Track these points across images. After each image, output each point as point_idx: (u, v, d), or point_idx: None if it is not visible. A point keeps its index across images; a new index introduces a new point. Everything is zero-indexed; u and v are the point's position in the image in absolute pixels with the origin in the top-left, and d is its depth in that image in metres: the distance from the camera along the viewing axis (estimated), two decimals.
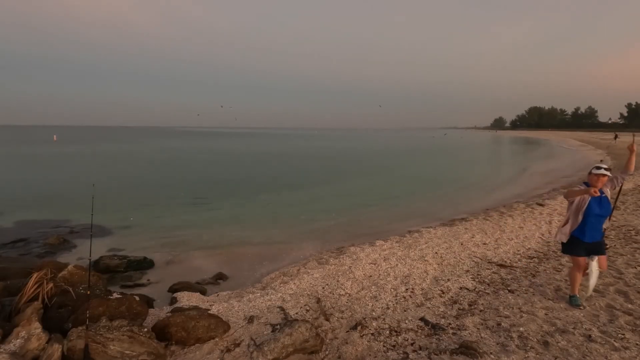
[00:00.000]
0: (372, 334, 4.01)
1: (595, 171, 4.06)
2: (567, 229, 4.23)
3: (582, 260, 4.25)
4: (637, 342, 3.56)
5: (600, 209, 4.06)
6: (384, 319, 4.32)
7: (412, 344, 3.77)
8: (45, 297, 3.92)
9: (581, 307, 4.29)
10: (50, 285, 4.05)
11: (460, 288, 5.13)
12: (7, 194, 14.69)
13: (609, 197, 4.13)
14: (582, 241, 4.16)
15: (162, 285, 6.15)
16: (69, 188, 16.06)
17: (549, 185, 15.68)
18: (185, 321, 3.84)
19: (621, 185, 4.31)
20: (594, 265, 4.06)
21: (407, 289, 5.18)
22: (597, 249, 4.18)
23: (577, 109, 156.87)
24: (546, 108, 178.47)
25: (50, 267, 4.56)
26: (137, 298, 4.19)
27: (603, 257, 4.22)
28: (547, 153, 38.82)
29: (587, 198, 4.07)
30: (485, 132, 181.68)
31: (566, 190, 4.41)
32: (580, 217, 4.12)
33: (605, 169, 3.99)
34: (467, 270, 5.78)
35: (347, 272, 5.86)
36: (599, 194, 3.90)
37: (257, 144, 59.60)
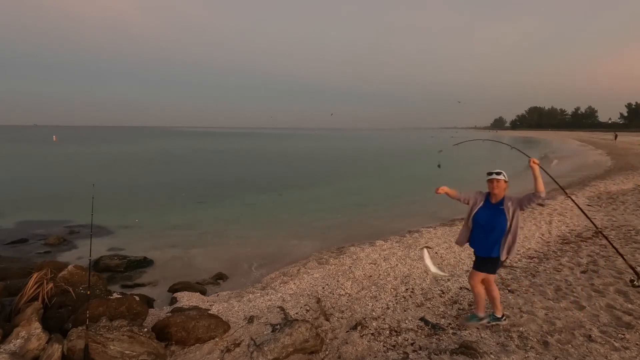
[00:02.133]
0: (372, 334, 4.01)
1: (487, 177, 3.68)
2: (461, 233, 3.91)
3: (476, 275, 3.81)
4: (637, 342, 3.56)
5: (487, 220, 3.61)
6: (384, 319, 4.32)
7: (412, 344, 3.77)
8: (45, 297, 3.92)
9: (474, 326, 3.91)
10: (50, 285, 4.05)
11: (460, 288, 5.14)
12: (7, 194, 14.69)
13: (510, 213, 3.53)
14: (475, 253, 3.81)
15: (162, 285, 6.15)
16: (69, 188, 16.06)
17: (549, 185, 15.68)
18: (185, 321, 3.84)
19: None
20: (425, 253, 3.77)
21: (407, 289, 5.18)
22: (485, 265, 3.71)
23: (577, 109, 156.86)
24: (546, 108, 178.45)
25: (50, 267, 4.56)
26: (137, 298, 4.19)
27: (490, 276, 3.76)
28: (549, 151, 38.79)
29: (479, 204, 3.71)
30: (485, 132, 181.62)
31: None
32: (469, 224, 3.78)
33: (497, 173, 3.60)
34: (467, 270, 5.77)
35: (347, 272, 5.86)
36: (439, 192, 3.68)
37: (257, 144, 59.60)
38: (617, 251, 3.47)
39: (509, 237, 3.55)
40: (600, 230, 4.12)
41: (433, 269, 3.76)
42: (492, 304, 3.97)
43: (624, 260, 3.57)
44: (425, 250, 3.73)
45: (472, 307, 4.53)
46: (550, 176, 4.12)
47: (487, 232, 3.61)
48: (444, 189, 3.72)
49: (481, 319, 3.95)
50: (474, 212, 3.71)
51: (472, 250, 3.83)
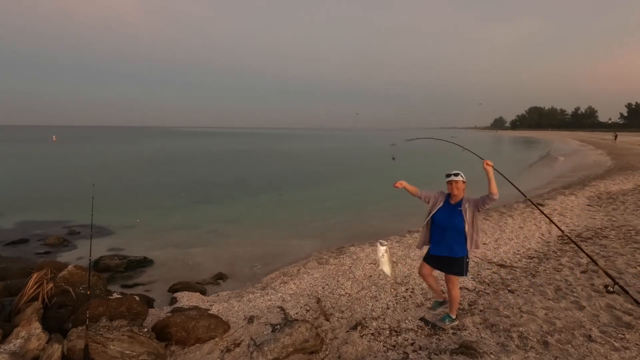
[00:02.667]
0: (372, 334, 4.00)
1: (446, 178, 3.71)
2: (421, 236, 3.94)
3: (424, 266, 3.93)
4: (637, 342, 3.56)
5: (445, 219, 3.66)
6: (384, 319, 4.32)
7: (412, 344, 3.77)
8: (45, 297, 3.92)
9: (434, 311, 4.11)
10: (50, 285, 4.05)
11: (460, 288, 5.13)
12: (7, 194, 14.70)
13: (467, 214, 3.60)
14: (429, 252, 3.88)
15: (162, 285, 6.15)
16: (69, 188, 16.06)
17: (549, 185, 15.68)
18: (185, 321, 3.84)
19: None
20: (380, 249, 3.62)
21: (407, 289, 5.18)
22: (443, 265, 3.80)
23: (577, 109, 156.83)
24: (546, 108, 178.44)
25: (50, 267, 4.56)
26: (137, 298, 4.19)
27: (451, 277, 3.82)
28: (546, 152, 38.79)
29: (439, 204, 3.75)
30: (485, 132, 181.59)
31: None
32: (428, 223, 3.82)
33: (455, 174, 3.64)
34: (467, 270, 5.77)
35: (347, 272, 5.86)
36: (397, 187, 3.74)
37: (257, 144, 59.60)
38: (591, 258, 3.44)
39: (469, 236, 3.62)
40: (567, 235, 4.10)
41: (384, 266, 3.67)
42: (450, 304, 4.07)
43: (598, 267, 3.57)
44: (379, 244, 3.64)
45: (472, 306, 4.54)
46: (506, 178, 4.10)
47: (445, 231, 3.68)
48: (402, 183, 3.79)
49: (453, 319, 4.05)
50: (434, 212, 3.75)
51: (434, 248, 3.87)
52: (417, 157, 29.81)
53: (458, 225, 3.61)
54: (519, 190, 4.17)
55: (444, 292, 4.28)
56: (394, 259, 6.23)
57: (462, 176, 3.65)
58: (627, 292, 3.12)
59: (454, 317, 4.07)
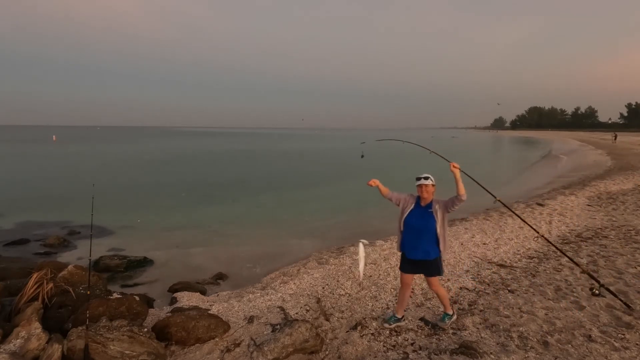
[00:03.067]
0: (372, 334, 4.00)
1: (416, 182, 3.71)
2: (399, 237, 3.91)
3: (406, 277, 3.93)
4: (637, 342, 3.55)
5: (418, 222, 3.67)
6: (383, 319, 4.32)
7: (412, 344, 3.77)
8: (45, 297, 3.92)
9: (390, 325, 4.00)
10: (50, 285, 4.05)
11: (460, 288, 5.13)
12: (7, 194, 14.70)
13: (438, 216, 3.63)
14: (405, 256, 3.86)
15: (162, 285, 6.15)
16: (69, 188, 16.07)
17: (549, 185, 15.68)
18: (185, 321, 3.84)
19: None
20: (361, 247, 3.68)
21: None
22: (421, 268, 3.81)
23: (577, 109, 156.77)
24: (546, 108, 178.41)
25: (50, 267, 4.56)
26: (137, 298, 4.19)
27: (431, 279, 3.83)
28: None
29: (410, 206, 3.76)
30: (485, 132, 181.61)
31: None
32: (401, 226, 3.80)
33: (424, 178, 3.66)
34: (467, 270, 5.78)
35: (347, 272, 5.86)
36: (371, 185, 3.77)
37: (257, 144, 59.60)
38: (572, 260, 3.45)
39: (441, 238, 3.66)
40: (543, 236, 4.08)
41: (361, 265, 3.71)
42: (442, 303, 4.12)
43: (582, 270, 3.58)
44: (361, 243, 3.67)
45: (472, 306, 4.54)
46: (474, 179, 4.11)
47: (418, 234, 3.69)
48: (376, 181, 3.82)
49: (399, 319, 4.10)
50: (405, 215, 3.77)
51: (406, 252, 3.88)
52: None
53: (431, 228, 3.65)
54: (489, 192, 4.16)
55: (405, 310, 4.29)
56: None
57: (431, 179, 3.69)
58: (613, 294, 3.10)
59: (450, 313, 4.11)
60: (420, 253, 3.71)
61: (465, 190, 3.55)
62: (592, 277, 3.15)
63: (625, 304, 3.06)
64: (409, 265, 3.87)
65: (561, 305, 4.39)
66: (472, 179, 4.06)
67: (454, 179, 3.61)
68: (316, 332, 3.81)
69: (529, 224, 4.11)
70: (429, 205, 3.70)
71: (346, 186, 17.37)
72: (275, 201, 13.74)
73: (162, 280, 6.41)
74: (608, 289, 3.10)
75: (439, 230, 3.64)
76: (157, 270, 6.93)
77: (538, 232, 3.98)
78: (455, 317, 4.13)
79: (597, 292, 2.98)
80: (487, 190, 4.17)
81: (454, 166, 3.65)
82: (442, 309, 4.27)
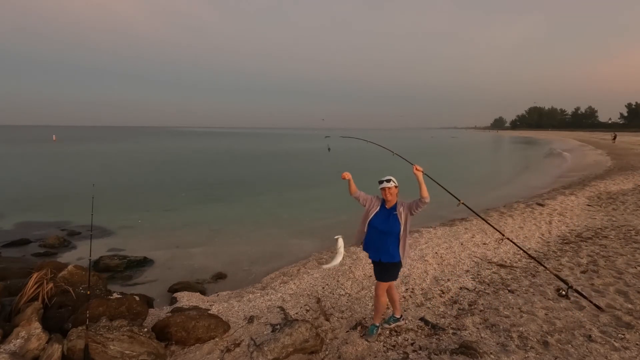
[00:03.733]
0: None
1: (379, 185, 3.72)
2: (357, 234, 3.92)
3: (381, 284, 3.84)
4: (637, 342, 3.56)
5: (383, 224, 3.66)
6: (383, 319, 4.32)
7: (412, 344, 3.77)
8: (45, 297, 3.92)
9: (372, 341, 3.84)
10: (50, 285, 4.05)
11: (460, 288, 5.13)
12: (7, 194, 14.69)
13: (402, 218, 3.62)
14: (370, 258, 3.84)
15: (162, 285, 6.15)
16: (69, 188, 16.06)
17: (549, 185, 15.68)
18: (185, 321, 3.84)
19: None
20: (339, 241, 3.65)
21: (407, 289, 5.18)
22: (378, 270, 3.81)
23: (577, 109, 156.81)
24: (546, 108, 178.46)
25: (50, 267, 4.56)
26: (137, 298, 4.19)
27: (380, 284, 3.79)
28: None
29: (375, 208, 3.77)
30: (485, 132, 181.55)
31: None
32: (365, 227, 3.79)
33: (387, 180, 3.66)
34: (467, 270, 5.78)
35: (347, 272, 5.86)
36: (344, 178, 3.77)
37: (257, 144, 59.59)
38: (539, 262, 3.43)
39: (401, 241, 3.64)
40: (508, 238, 4.08)
41: (338, 260, 3.67)
42: (392, 306, 4.14)
43: (550, 272, 3.59)
44: (340, 239, 3.65)
45: (472, 306, 4.54)
46: (437, 182, 4.08)
47: (383, 236, 3.67)
48: (348, 175, 3.84)
49: (378, 326, 4.02)
50: (370, 217, 3.76)
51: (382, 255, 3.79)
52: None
53: (395, 230, 3.63)
54: (452, 195, 4.10)
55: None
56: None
57: (394, 181, 3.68)
58: (582, 295, 3.10)
59: (398, 316, 4.14)
60: (385, 255, 3.69)
61: (429, 194, 3.52)
62: (560, 279, 3.17)
63: (595, 305, 3.07)
64: (379, 270, 3.87)
65: (561, 305, 4.38)
66: (436, 182, 4.05)
67: (417, 181, 3.58)
68: (316, 332, 3.80)
69: (493, 227, 4.16)
70: (394, 208, 3.70)
71: (346, 186, 17.35)
72: (275, 201, 13.74)
73: (162, 280, 6.41)
74: (577, 290, 3.11)
75: (402, 233, 3.64)
76: (157, 270, 6.93)
77: (503, 234, 4.02)
78: (402, 321, 4.13)
79: (564, 292, 2.97)
80: (450, 193, 4.14)
81: (416, 169, 3.64)
82: (442, 309, 4.27)
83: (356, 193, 3.89)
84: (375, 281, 3.89)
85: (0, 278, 4.81)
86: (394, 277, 3.80)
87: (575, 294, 3.20)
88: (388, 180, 3.67)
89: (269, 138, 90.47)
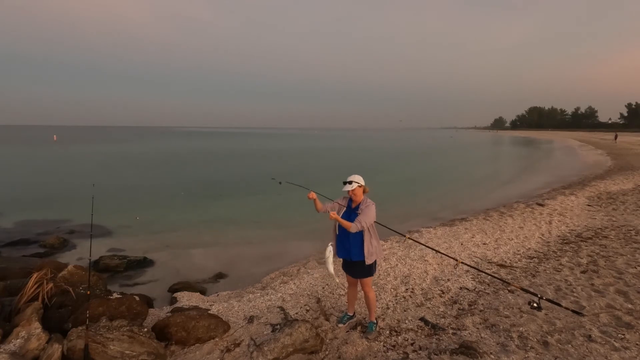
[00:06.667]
0: None
1: (343, 187, 3.70)
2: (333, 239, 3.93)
3: (347, 276, 4.01)
4: (637, 342, 3.56)
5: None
6: (383, 319, 4.32)
7: (412, 344, 3.77)
8: (45, 297, 3.92)
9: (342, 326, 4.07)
10: (50, 285, 4.05)
11: (460, 288, 5.13)
12: (7, 194, 14.69)
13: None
14: (338, 255, 3.87)
15: (162, 285, 6.15)
16: (69, 188, 16.05)
17: (549, 185, 15.68)
18: (185, 321, 3.84)
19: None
20: (327, 251, 3.65)
21: (407, 289, 5.17)
22: (350, 268, 3.88)
23: (577, 109, 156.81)
24: (546, 108, 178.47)
25: (50, 267, 4.56)
26: (137, 298, 4.19)
27: (363, 280, 3.86)
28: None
29: (342, 209, 3.82)
30: (485, 132, 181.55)
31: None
32: (336, 229, 3.82)
33: (349, 182, 3.64)
34: (467, 270, 5.78)
35: None
36: (310, 197, 3.83)
37: (257, 144, 59.59)
38: (504, 280, 3.45)
39: (365, 240, 3.63)
40: (461, 261, 4.09)
41: (331, 268, 3.67)
42: (368, 307, 4.11)
43: (515, 287, 3.61)
44: (330, 247, 3.66)
45: (472, 306, 4.54)
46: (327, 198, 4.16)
47: (345, 235, 3.69)
48: (314, 194, 3.90)
49: (351, 317, 4.16)
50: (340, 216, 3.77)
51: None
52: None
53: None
54: (397, 232, 4.16)
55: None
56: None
57: (356, 182, 3.67)
58: (554, 303, 3.10)
59: (375, 321, 4.13)
60: (354, 253, 3.70)
61: (353, 224, 3.49)
62: (528, 292, 3.21)
63: (572, 311, 3.08)
64: (346, 267, 3.92)
65: None
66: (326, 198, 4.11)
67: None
68: (316, 332, 3.80)
69: (446, 254, 4.23)
70: (357, 207, 3.72)
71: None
72: (275, 201, 13.73)
73: (162, 280, 6.41)
74: (548, 300, 3.12)
75: (365, 232, 3.61)
76: (157, 270, 6.93)
77: (457, 260, 4.09)
78: (376, 328, 4.11)
79: (535, 305, 2.95)
80: (395, 231, 4.30)
81: (310, 197, 3.83)
82: (442, 309, 4.27)
83: (322, 209, 3.91)
84: (359, 281, 3.92)
85: (0, 278, 4.81)
86: (370, 273, 3.81)
87: (549, 303, 3.20)
88: (350, 182, 3.66)
89: (269, 138, 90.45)
